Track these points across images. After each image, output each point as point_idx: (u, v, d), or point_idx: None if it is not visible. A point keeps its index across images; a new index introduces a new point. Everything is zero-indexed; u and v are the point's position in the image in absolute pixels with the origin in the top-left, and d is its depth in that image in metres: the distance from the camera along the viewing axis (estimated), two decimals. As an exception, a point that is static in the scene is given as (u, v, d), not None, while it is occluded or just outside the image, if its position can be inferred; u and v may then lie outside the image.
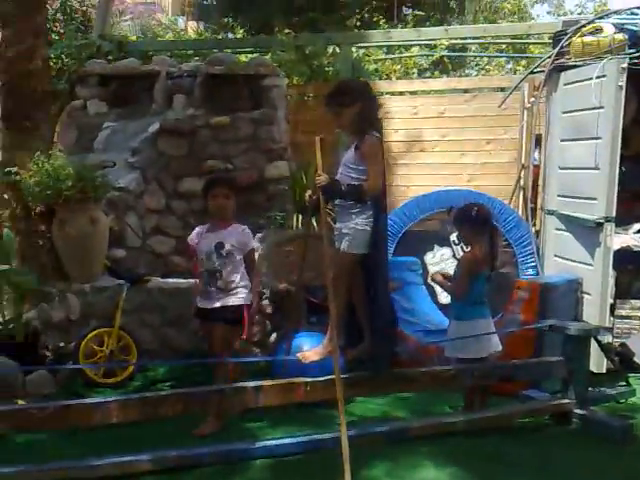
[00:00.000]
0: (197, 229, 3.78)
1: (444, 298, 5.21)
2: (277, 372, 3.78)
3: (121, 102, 6.20)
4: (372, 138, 3.37)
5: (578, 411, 3.73)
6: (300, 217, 5.42)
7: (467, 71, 9.33)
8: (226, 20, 10.78)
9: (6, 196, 4.88)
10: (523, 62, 8.23)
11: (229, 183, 3.80)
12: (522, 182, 5.73)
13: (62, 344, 4.43)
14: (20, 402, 3.75)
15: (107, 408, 3.07)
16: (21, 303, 4.40)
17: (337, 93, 3.50)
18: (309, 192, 3.51)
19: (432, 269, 5.27)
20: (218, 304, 3.57)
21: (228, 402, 3.41)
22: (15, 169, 4.78)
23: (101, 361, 4.23)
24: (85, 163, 4.90)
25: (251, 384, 3.32)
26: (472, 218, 3.78)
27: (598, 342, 3.96)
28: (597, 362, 4.27)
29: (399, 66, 7.93)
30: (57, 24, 8.42)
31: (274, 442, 3.30)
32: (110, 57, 6.68)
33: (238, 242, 3.63)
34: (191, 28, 11.33)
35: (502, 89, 6.47)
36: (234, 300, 3.58)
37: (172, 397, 3.25)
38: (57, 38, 7.20)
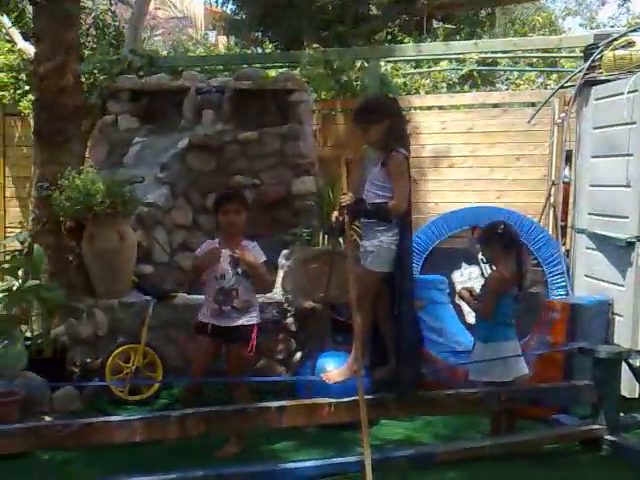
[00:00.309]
0: (206, 243, 3.75)
1: (471, 318, 5.13)
2: (301, 392, 3.75)
3: (152, 117, 6.28)
4: (399, 156, 3.35)
5: (609, 437, 3.63)
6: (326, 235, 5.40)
7: (497, 85, 9.24)
8: (256, 35, 10.87)
9: (37, 211, 4.95)
10: (554, 76, 8.12)
11: (240, 198, 3.76)
12: (552, 199, 5.63)
13: (89, 360, 4.46)
14: (47, 418, 3.79)
15: (131, 426, 3.08)
16: (50, 318, 4.44)
17: (365, 109, 3.49)
18: (335, 213, 3.49)
19: (459, 288, 5.21)
20: (235, 323, 3.55)
21: (250, 422, 3.39)
22: (46, 184, 4.86)
23: (127, 377, 4.25)
24: (115, 178, 4.95)
25: (274, 404, 3.30)
26: (498, 236, 3.71)
27: (629, 365, 3.85)
28: (629, 387, 4.15)
29: (428, 80, 7.90)
30: (90, 39, 8.59)
31: (297, 465, 3.27)
32: (141, 72, 6.77)
33: (252, 259, 3.60)
34: (221, 43, 11.45)
35: (532, 104, 6.38)
36: (249, 320, 3.58)
37: (196, 416, 3.24)
38: (89, 53, 7.32)
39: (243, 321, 3.56)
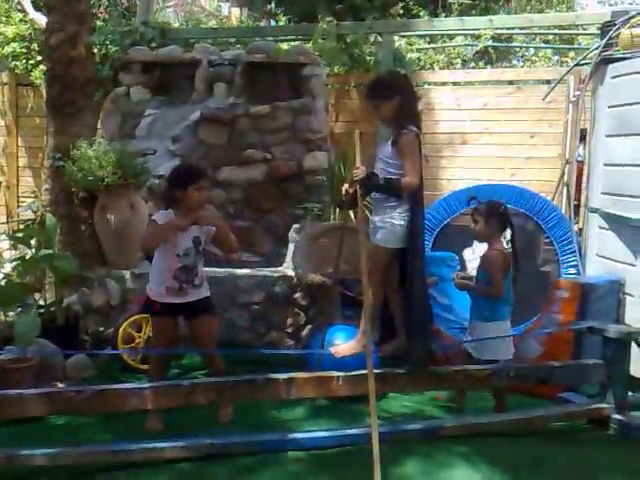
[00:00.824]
0: (163, 214, 3.48)
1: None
2: (310, 365, 3.78)
3: (164, 89, 6.26)
4: (409, 133, 3.35)
5: (616, 416, 3.64)
6: (337, 209, 5.40)
7: (512, 62, 9.11)
8: (269, 7, 10.75)
9: (50, 181, 4.97)
10: (570, 54, 8.01)
11: (207, 174, 3.68)
12: (566, 178, 5.60)
13: (101, 329, 4.52)
14: (60, 385, 3.85)
15: (142, 394, 3.12)
16: (62, 287, 4.49)
17: (377, 86, 3.48)
18: (346, 186, 3.48)
19: (470, 265, 5.20)
20: (194, 298, 3.49)
21: (259, 393, 3.39)
22: (59, 155, 4.87)
23: (138, 347, 4.30)
24: (126, 150, 4.96)
25: (283, 376, 3.33)
26: (498, 215, 3.75)
27: (639, 346, 3.85)
28: (638, 366, 4.14)
29: (442, 56, 7.80)
30: (101, 10, 8.54)
31: (306, 434, 3.32)
32: (153, 44, 6.72)
33: (207, 233, 3.52)
34: (234, 15, 11.32)
35: (547, 81, 6.32)
36: (205, 292, 3.56)
37: (206, 385, 3.28)
38: (101, 24, 7.27)
39: (200, 294, 3.53)
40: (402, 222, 3.37)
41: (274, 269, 5.05)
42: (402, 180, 3.30)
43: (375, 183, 3.37)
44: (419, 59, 7.61)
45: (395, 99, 3.35)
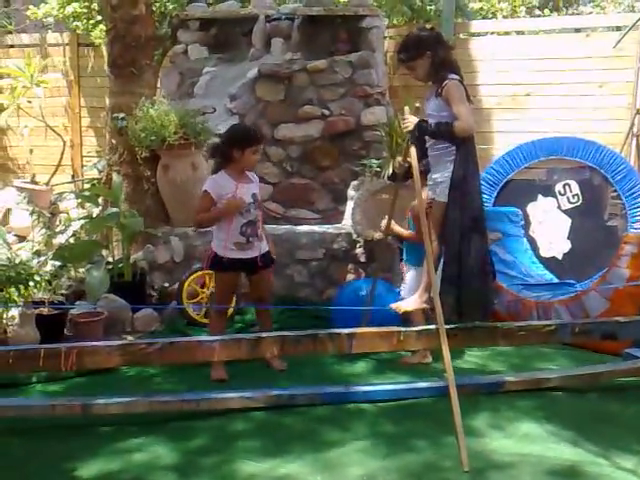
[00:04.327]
0: (216, 180, 3.60)
1: (546, 251, 5.05)
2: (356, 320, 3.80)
3: (221, 46, 6.26)
4: (453, 81, 3.30)
5: (685, 372, 3.55)
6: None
7: (580, 8, 8.68)
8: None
9: (114, 141, 5.07)
10: (643, -3, 7.60)
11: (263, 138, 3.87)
12: (635, 129, 5.37)
13: (167, 284, 4.65)
14: (129, 338, 4.00)
15: (210, 346, 3.21)
16: (129, 245, 4.62)
17: (404, 48, 3.45)
18: (399, 159, 3.45)
19: (534, 220, 5.10)
20: (260, 252, 3.64)
21: (321, 347, 3.43)
22: (122, 115, 4.95)
23: (202, 302, 4.42)
24: (187, 109, 5.00)
25: (345, 331, 3.36)
26: None
27: None
28: None
29: (506, 4, 7.50)
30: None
31: (373, 387, 3.37)
32: (210, 0, 6.70)
33: (259, 191, 3.74)
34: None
35: (618, 28, 6.00)
36: (265, 247, 3.70)
37: (269, 339, 3.35)
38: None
39: (264, 248, 3.68)
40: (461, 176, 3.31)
41: (334, 226, 5.07)
42: (455, 123, 3.23)
43: (425, 130, 3.32)
44: (481, 9, 7.33)
45: (425, 55, 3.32)
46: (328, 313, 4.12)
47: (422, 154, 3.45)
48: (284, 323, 4.15)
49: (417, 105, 3.42)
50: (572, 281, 4.67)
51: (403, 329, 3.35)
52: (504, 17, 7.38)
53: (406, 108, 3.41)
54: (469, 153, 3.32)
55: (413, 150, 3.33)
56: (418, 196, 3.29)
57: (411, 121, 3.32)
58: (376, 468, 2.62)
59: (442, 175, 3.35)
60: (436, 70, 3.33)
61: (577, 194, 5.15)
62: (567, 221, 5.12)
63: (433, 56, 3.32)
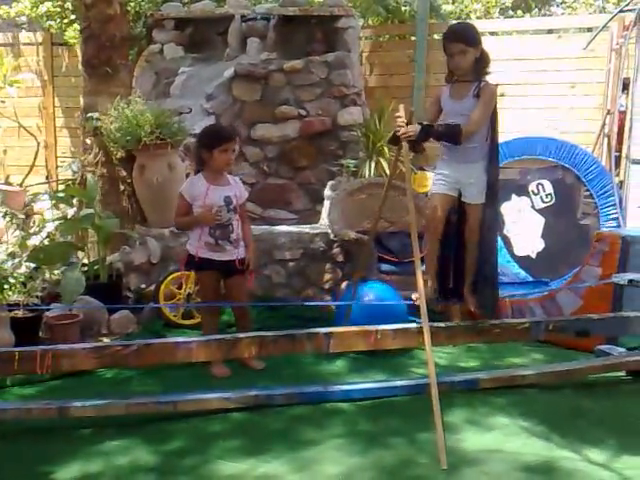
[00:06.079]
0: (192, 182, 3.63)
1: (520, 250, 5.12)
2: (339, 320, 3.83)
3: (197, 46, 6.24)
4: (492, 86, 3.30)
5: (656, 368, 3.63)
6: (372, 165, 5.37)
7: (552, 10, 8.80)
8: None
9: (88, 141, 5.03)
10: (613, -1, 7.73)
11: (235, 136, 3.76)
12: (607, 129, 5.46)
13: (143, 286, 4.62)
14: (105, 340, 3.98)
15: (187, 347, 3.20)
16: (104, 246, 4.58)
17: (465, 30, 3.39)
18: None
19: (508, 220, 5.17)
20: (233, 257, 3.60)
21: (300, 346, 3.45)
22: (97, 115, 4.92)
23: (179, 303, 4.40)
24: (163, 109, 4.98)
25: (323, 330, 3.38)
26: None
27: (681, 298, 3.81)
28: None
29: (479, 5, 7.58)
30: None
31: (347, 387, 3.38)
32: (185, 0, 6.68)
33: (239, 196, 3.66)
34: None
35: (589, 29, 6.10)
36: (242, 253, 3.65)
37: (247, 339, 3.35)
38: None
39: (239, 254, 3.63)
40: (485, 177, 3.33)
41: (311, 226, 5.09)
42: (465, 127, 3.21)
43: (434, 132, 3.26)
44: (453, 12, 7.40)
45: (479, 48, 3.29)
46: (304, 312, 4.13)
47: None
48: (262, 323, 4.15)
49: (412, 109, 3.37)
50: (546, 279, 4.75)
51: (380, 327, 3.38)
52: (477, 18, 7.45)
53: (401, 106, 3.30)
54: (495, 149, 3.33)
55: (405, 149, 3.26)
56: (409, 193, 3.29)
57: (411, 130, 3.20)
58: (353, 465, 2.64)
59: (471, 176, 3.33)
60: (479, 66, 3.29)
61: (550, 193, 5.24)
62: (541, 220, 5.21)
63: (483, 52, 3.30)
